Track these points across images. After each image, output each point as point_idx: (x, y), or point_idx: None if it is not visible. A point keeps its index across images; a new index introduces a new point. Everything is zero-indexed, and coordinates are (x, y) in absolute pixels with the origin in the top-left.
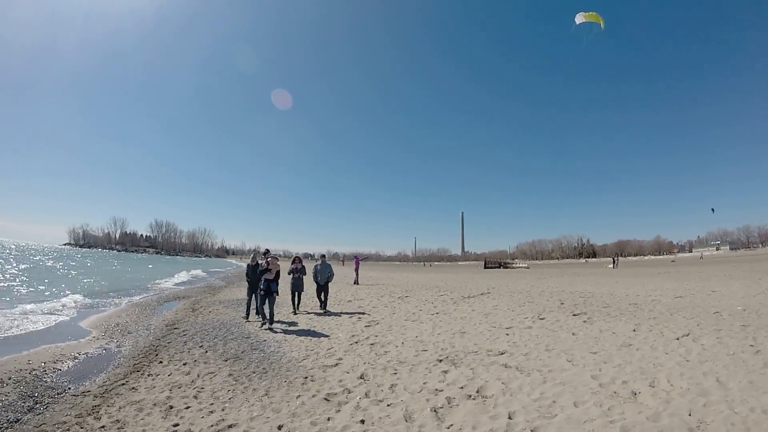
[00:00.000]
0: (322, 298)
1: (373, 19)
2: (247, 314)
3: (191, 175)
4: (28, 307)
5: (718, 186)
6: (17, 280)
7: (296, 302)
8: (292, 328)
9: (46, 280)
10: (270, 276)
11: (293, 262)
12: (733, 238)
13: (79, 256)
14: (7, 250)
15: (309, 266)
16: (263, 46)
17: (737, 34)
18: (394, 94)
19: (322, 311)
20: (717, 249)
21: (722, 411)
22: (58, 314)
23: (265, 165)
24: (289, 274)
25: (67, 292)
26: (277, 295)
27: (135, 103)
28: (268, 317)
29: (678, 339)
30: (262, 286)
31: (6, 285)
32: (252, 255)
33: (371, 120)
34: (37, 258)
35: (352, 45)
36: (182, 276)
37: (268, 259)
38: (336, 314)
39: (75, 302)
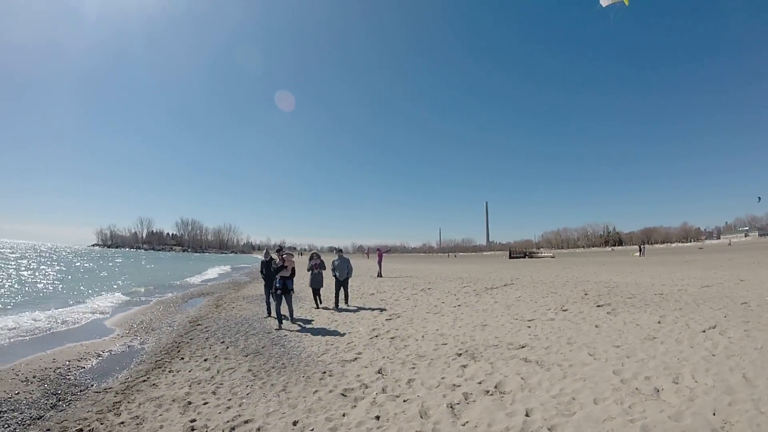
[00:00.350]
0: (341, 295)
1: (389, 10)
2: (269, 312)
3: (215, 173)
4: (67, 308)
5: (745, 171)
6: (59, 281)
7: (318, 298)
8: (312, 324)
9: (85, 280)
10: (286, 273)
11: (311, 259)
12: (762, 224)
13: (109, 256)
14: (44, 253)
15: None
16: (279, 41)
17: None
18: (413, 85)
19: (342, 307)
20: (746, 235)
21: (748, 410)
22: (94, 313)
23: (289, 160)
24: (308, 270)
25: (109, 291)
26: (294, 292)
27: (156, 103)
28: (288, 315)
29: (704, 331)
30: (278, 284)
31: (50, 286)
32: (265, 250)
33: (393, 112)
34: (74, 259)
35: (371, 39)
36: (212, 272)
37: (283, 255)
38: (356, 309)
39: (114, 301)
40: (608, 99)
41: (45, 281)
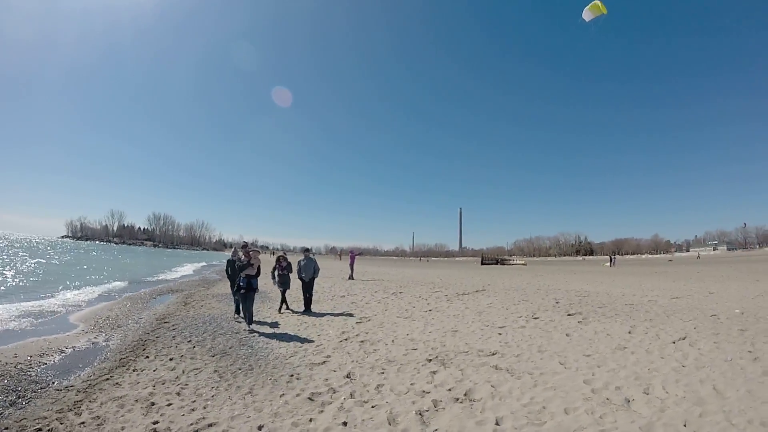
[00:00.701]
0: (307, 296)
1: (371, 15)
2: (237, 311)
3: (189, 169)
4: (37, 301)
5: (717, 185)
6: (37, 274)
7: (285, 302)
8: (281, 325)
9: (65, 273)
10: (252, 271)
11: (277, 261)
12: (730, 238)
13: (83, 249)
14: (15, 243)
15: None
16: (261, 42)
17: (737, 33)
18: (392, 90)
19: (305, 311)
20: (714, 249)
21: (719, 422)
22: (63, 307)
23: (264, 160)
24: (273, 271)
25: (90, 284)
26: (258, 291)
27: (132, 98)
28: (247, 318)
29: (674, 342)
30: (241, 283)
31: (28, 278)
32: (233, 249)
33: (369, 115)
34: (49, 251)
35: (350, 41)
36: (189, 269)
37: (250, 252)
38: (321, 314)
39: (90, 296)
40: (583, 111)
41: (21, 273)
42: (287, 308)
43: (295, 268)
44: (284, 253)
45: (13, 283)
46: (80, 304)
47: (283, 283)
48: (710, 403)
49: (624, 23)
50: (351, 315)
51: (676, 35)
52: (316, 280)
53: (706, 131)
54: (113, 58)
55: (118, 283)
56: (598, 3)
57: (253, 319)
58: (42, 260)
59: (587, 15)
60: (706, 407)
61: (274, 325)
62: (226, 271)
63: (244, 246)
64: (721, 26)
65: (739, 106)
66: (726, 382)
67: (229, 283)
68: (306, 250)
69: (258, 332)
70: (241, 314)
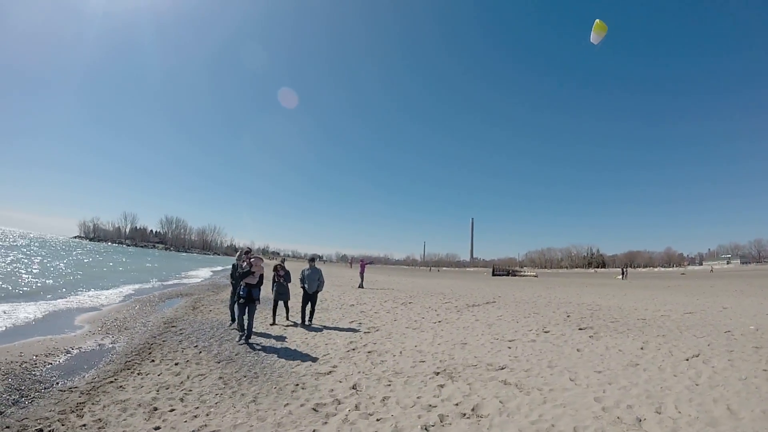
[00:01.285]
0: (308, 310)
1: (384, 22)
2: (233, 319)
3: (202, 173)
4: (55, 301)
5: (731, 199)
6: (67, 274)
7: (276, 312)
8: (288, 333)
9: (102, 274)
10: (253, 280)
11: (275, 270)
12: (744, 252)
13: (103, 251)
14: (35, 241)
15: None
16: (274, 45)
17: (760, 47)
18: (406, 99)
19: (305, 323)
20: (728, 263)
21: None
22: (77, 309)
23: (276, 166)
24: (272, 280)
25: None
26: (259, 303)
27: (147, 99)
28: (246, 330)
29: (687, 360)
30: (242, 293)
31: (59, 278)
32: (239, 252)
33: (383, 124)
34: (77, 252)
35: (364, 49)
36: (206, 272)
37: (251, 259)
38: (328, 326)
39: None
40: (598, 123)
41: (48, 273)
42: (287, 318)
43: (298, 276)
44: (283, 261)
45: (45, 283)
46: (97, 306)
47: (281, 294)
48: (724, 423)
49: (642, 37)
50: (359, 324)
51: (695, 50)
52: (321, 291)
53: (720, 146)
54: (128, 58)
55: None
56: (600, 22)
57: (256, 328)
58: (73, 259)
59: (595, 38)
60: (720, 428)
61: (281, 334)
62: (231, 275)
63: (248, 252)
64: (740, 42)
65: (753, 123)
66: (740, 401)
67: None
68: (312, 260)
69: (266, 338)
70: (237, 324)
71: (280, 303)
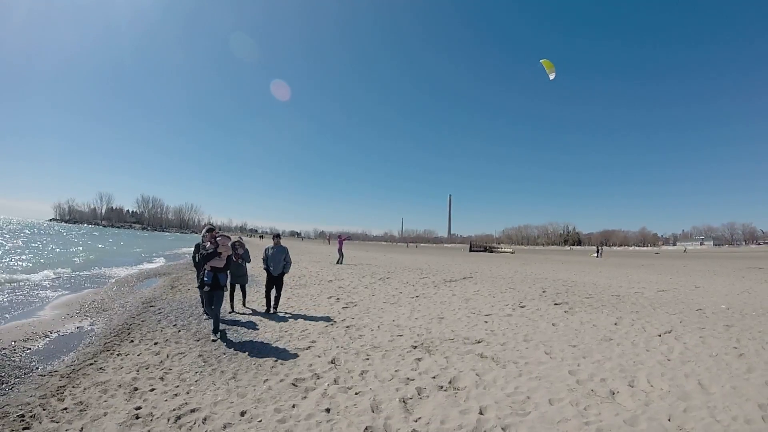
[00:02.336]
0: (273, 295)
1: (364, 11)
2: (203, 305)
3: (178, 154)
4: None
5: (705, 182)
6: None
7: (233, 297)
8: (266, 310)
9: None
10: (219, 263)
11: (233, 248)
12: (717, 234)
13: (76, 233)
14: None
15: (311, 248)
16: (254, 30)
17: (733, 35)
18: (383, 84)
19: (270, 312)
20: (701, 244)
21: (703, 418)
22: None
23: (253, 146)
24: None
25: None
26: (226, 290)
27: (120, 86)
28: (213, 322)
29: (660, 336)
30: (206, 279)
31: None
32: (203, 230)
33: (360, 108)
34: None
35: (343, 37)
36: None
37: (217, 238)
38: (288, 316)
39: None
40: (576, 108)
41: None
42: (243, 305)
43: (260, 256)
44: (240, 238)
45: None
46: (76, 288)
47: (239, 276)
48: (695, 398)
49: (618, 24)
50: (337, 300)
51: (669, 38)
52: (288, 273)
53: (696, 130)
54: (105, 44)
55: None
56: (546, 61)
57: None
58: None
59: (551, 75)
60: (691, 402)
61: (259, 309)
62: (193, 258)
63: (211, 230)
64: (718, 29)
65: (730, 107)
66: (711, 377)
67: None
68: (277, 236)
69: (243, 314)
70: (244, 305)
71: (238, 288)
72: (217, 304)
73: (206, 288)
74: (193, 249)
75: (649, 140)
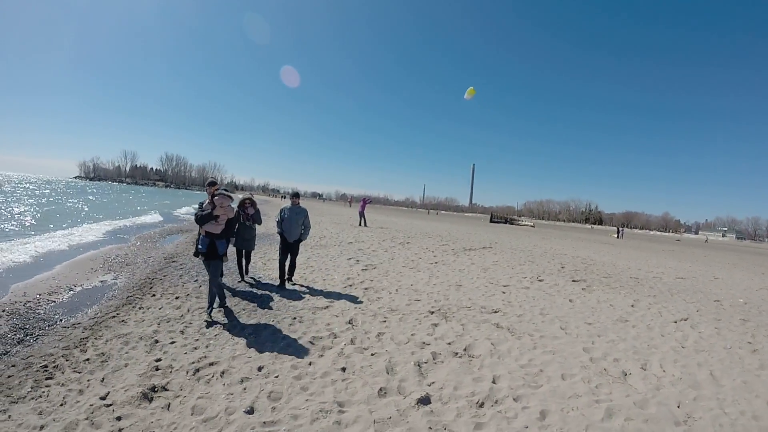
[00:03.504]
0: (287, 265)
1: None
2: (240, 272)
3: (202, 116)
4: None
5: (733, 173)
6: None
7: (242, 265)
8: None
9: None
10: (216, 228)
11: (241, 206)
12: (740, 227)
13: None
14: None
15: (330, 211)
16: (268, 7)
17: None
18: (407, 55)
19: (280, 285)
20: (723, 235)
21: (712, 409)
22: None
23: (278, 109)
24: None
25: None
26: (226, 260)
27: (145, 46)
28: (209, 300)
29: (676, 322)
30: (200, 246)
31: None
32: (209, 182)
33: (385, 76)
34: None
35: (370, 5)
36: None
37: (215, 197)
38: (305, 290)
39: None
40: (607, 89)
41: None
42: (245, 275)
43: (274, 218)
44: (251, 195)
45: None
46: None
47: (246, 240)
48: (705, 388)
49: (654, 7)
50: (357, 262)
51: (709, 20)
52: (306, 240)
53: (729, 121)
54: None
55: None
56: (471, 90)
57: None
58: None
59: (468, 96)
60: (701, 392)
61: (268, 282)
62: (196, 219)
63: (212, 183)
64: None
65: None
66: (723, 369)
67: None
68: (295, 195)
69: (261, 278)
70: (245, 275)
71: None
72: (214, 275)
73: (201, 257)
74: (197, 206)
75: (679, 126)
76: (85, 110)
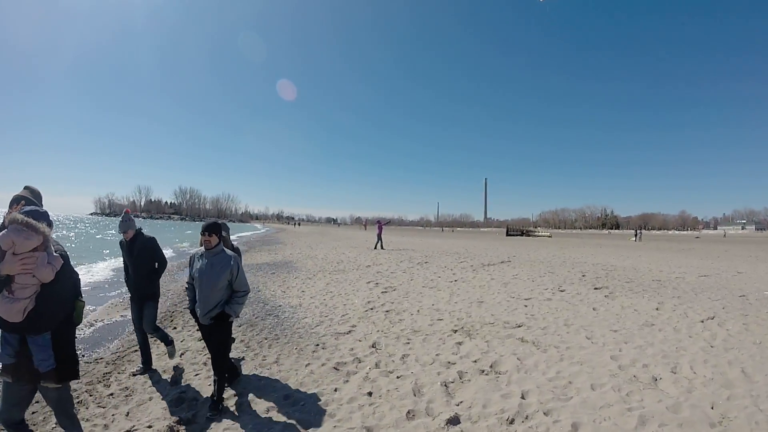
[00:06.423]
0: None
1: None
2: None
3: (213, 145)
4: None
5: (748, 164)
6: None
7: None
8: (306, 294)
9: None
10: (12, 311)
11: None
12: (759, 218)
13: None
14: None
15: (366, 238)
16: (276, 28)
17: None
18: (415, 66)
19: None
20: (742, 228)
21: (747, 407)
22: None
23: (290, 137)
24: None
25: None
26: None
27: (153, 81)
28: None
29: (702, 322)
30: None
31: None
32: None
33: (394, 92)
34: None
35: (373, 17)
36: (234, 237)
37: (12, 225)
38: (348, 282)
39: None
40: (613, 87)
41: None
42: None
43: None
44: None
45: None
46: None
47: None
48: (738, 386)
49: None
50: (376, 285)
51: (715, 9)
52: (329, 257)
53: (738, 110)
54: (127, 39)
55: None
56: None
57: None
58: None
59: None
60: (734, 390)
61: (300, 294)
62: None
63: (16, 201)
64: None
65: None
66: (755, 365)
67: (256, 254)
68: (210, 231)
69: (284, 300)
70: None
71: None
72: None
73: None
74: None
75: (688, 120)
76: (98, 145)
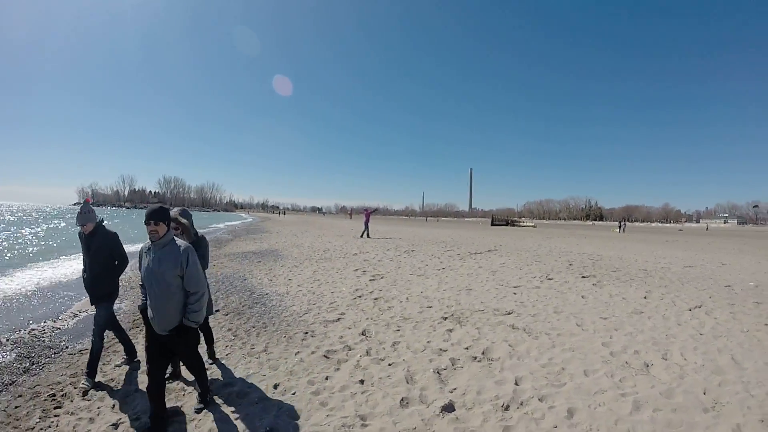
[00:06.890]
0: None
1: None
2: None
3: (198, 135)
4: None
5: (731, 159)
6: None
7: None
8: (293, 282)
9: None
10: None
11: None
12: (741, 212)
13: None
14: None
15: (332, 224)
16: (262, 20)
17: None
18: (400, 59)
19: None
20: (725, 222)
21: (738, 392)
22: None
23: (272, 125)
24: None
25: None
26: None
27: (136, 69)
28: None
29: (690, 310)
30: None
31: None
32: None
33: (380, 83)
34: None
35: (359, 10)
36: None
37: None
38: (335, 270)
39: None
40: (598, 83)
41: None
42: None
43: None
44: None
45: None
46: None
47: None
48: (729, 372)
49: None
50: (363, 272)
51: (696, 10)
52: (315, 245)
53: (720, 107)
54: (115, 29)
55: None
56: None
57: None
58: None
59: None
60: (725, 376)
61: (287, 282)
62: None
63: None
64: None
65: (759, 86)
66: (744, 352)
67: (242, 242)
68: (155, 217)
69: (271, 289)
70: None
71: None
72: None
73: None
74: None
75: (672, 116)
76: (81, 137)
